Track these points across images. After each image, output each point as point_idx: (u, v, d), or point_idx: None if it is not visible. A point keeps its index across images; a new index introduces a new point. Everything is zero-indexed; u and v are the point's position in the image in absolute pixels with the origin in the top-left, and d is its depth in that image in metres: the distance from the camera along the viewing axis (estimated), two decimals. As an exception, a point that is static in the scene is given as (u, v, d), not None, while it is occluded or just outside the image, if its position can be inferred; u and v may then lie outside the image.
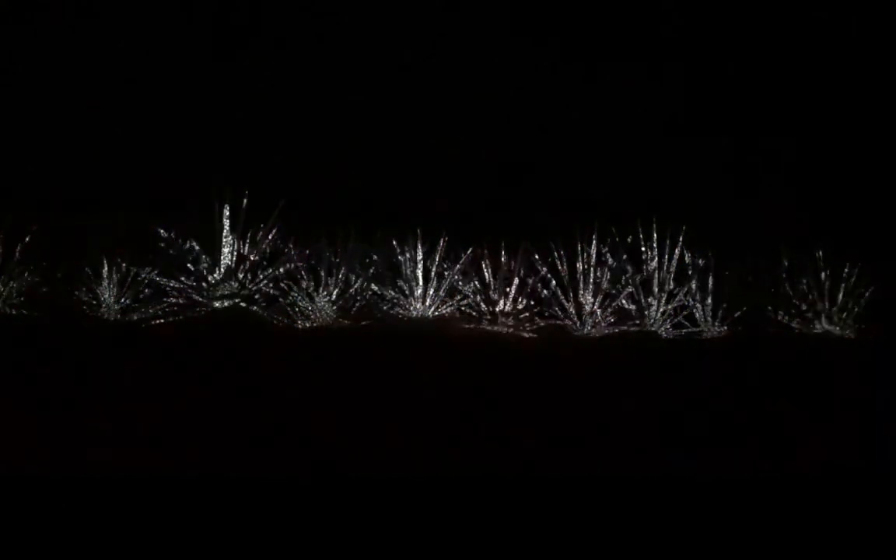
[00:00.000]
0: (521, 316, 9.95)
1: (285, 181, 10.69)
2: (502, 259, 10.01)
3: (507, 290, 9.94)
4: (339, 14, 12.79)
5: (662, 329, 9.99)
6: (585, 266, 9.95)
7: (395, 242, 10.06)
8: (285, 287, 9.41)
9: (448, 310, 10.04)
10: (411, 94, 13.00)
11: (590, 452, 5.02)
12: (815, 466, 4.92)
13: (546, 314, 9.99)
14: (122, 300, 8.85)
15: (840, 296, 10.26)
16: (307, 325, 9.31)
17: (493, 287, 10.02)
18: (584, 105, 13.10)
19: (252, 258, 9.37)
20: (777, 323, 10.22)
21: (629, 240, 10.14)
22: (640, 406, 6.36)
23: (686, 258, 10.24)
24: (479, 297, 10.05)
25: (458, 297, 10.10)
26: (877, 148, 12.39)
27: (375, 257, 9.94)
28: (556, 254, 9.97)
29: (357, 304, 9.63)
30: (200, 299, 9.05)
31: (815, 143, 12.59)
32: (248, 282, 9.30)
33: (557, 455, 4.97)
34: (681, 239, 10.21)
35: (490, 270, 10.03)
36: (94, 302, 8.79)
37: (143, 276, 8.92)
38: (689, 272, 10.18)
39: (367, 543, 3.59)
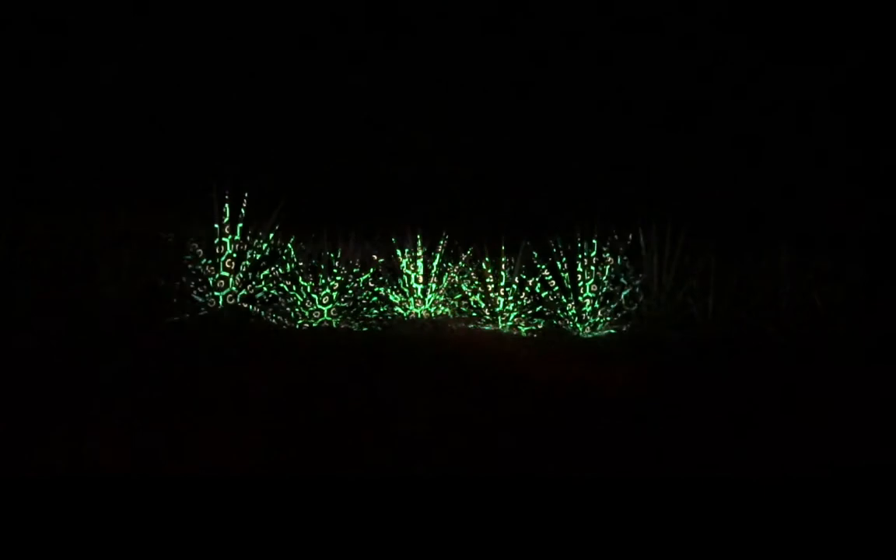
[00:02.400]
0: (521, 316, 9.97)
1: (285, 181, 10.68)
2: (502, 259, 10.03)
3: (507, 289, 9.96)
4: (340, 14, 12.80)
5: (662, 329, 10.00)
6: (585, 266, 9.97)
7: (394, 242, 10.09)
8: (286, 287, 9.42)
9: (448, 309, 10.05)
10: (411, 94, 13.00)
11: (589, 453, 5.01)
12: (815, 466, 4.91)
13: (546, 314, 10.01)
14: (123, 300, 8.86)
15: (838, 295, 10.29)
16: (307, 324, 9.32)
17: (492, 287, 10.03)
18: (585, 105, 13.09)
19: (252, 258, 9.38)
20: (776, 323, 10.23)
21: (629, 240, 10.15)
22: (639, 406, 6.36)
23: (686, 258, 10.25)
24: (479, 297, 10.07)
25: (458, 297, 10.12)
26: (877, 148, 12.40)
27: (375, 257, 9.97)
28: (556, 254, 9.99)
29: (356, 304, 9.65)
30: (201, 299, 9.06)
31: (814, 144, 12.59)
32: (249, 282, 9.31)
33: (557, 455, 4.96)
34: (681, 239, 10.22)
35: (490, 270, 10.05)
36: (96, 302, 8.80)
37: (144, 276, 8.94)
38: (689, 272, 10.19)
39: (367, 544, 3.59)
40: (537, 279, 10.03)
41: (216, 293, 9.13)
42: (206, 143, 11.80)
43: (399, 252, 10.06)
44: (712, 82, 12.87)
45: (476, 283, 10.10)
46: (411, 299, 9.95)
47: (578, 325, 9.88)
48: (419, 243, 10.06)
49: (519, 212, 11.63)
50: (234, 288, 9.18)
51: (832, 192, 11.90)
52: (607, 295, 9.96)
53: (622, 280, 10.05)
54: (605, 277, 9.97)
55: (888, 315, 9.47)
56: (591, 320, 9.89)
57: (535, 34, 13.14)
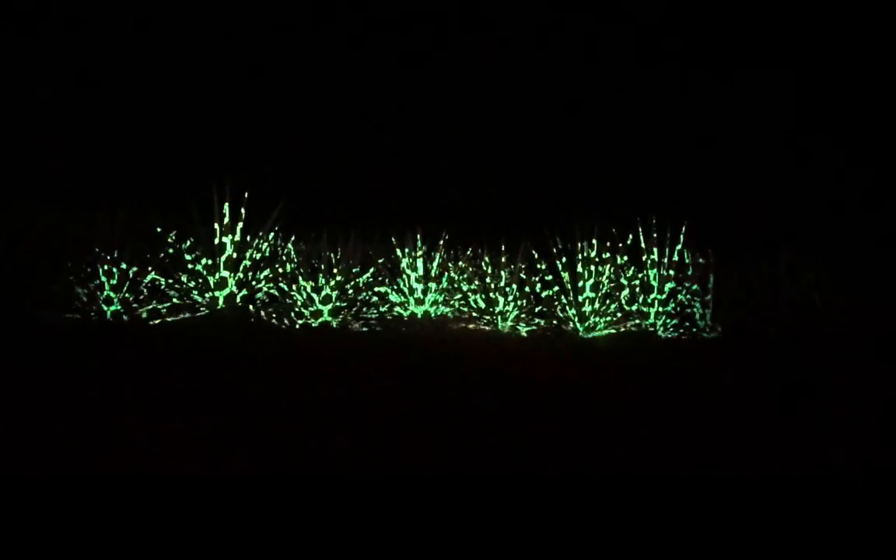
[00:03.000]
0: (521, 316, 9.97)
1: (285, 181, 10.68)
2: (502, 259, 10.02)
3: (507, 289, 9.95)
4: (340, 15, 12.79)
5: (662, 329, 10.00)
6: (585, 266, 9.96)
7: (395, 242, 10.07)
8: (285, 287, 9.42)
9: (448, 309, 10.04)
10: (412, 93, 12.99)
11: (589, 453, 5.01)
12: (814, 466, 4.91)
13: (546, 314, 10.00)
14: (123, 299, 8.86)
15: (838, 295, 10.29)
16: (307, 324, 9.31)
17: (492, 287, 10.03)
18: (585, 104, 13.09)
19: (252, 258, 9.37)
20: (777, 323, 10.23)
21: (629, 239, 10.15)
22: (639, 406, 6.36)
23: (686, 258, 10.26)
24: (479, 297, 10.06)
25: (458, 297, 10.10)
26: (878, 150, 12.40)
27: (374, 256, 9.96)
28: (556, 254, 9.98)
29: (356, 304, 9.64)
30: (200, 299, 9.05)
31: (814, 144, 12.58)
32: (249, 282, 9.30)
33: (556, 455, 4.96)
34: (681, 239, 10.23)
35: (490, 270, 10.05)
36: (94, 301, 8.80)
37: (143, 275, 8.93)
38: (689, 272, 10.19)
39: (366, 544, 3.59)
40: (537, 279, 10.02)
41: (216, 293, 9.13)
42: (206, 144, 11.79)
43: (399, 252, 10.05)
44: (710, 81, 12.87)
45: (476, 283, 10.08)
46: (411, 299, 9.94)
47: (578, 325, 9.87)
48: (419, 243, 10.05)
49: (519, 212, 11.62)
50: (234, 288, 9.18)
51: (831, 192, 11.90)
52: (607, 295, 9.96)
53: (622, 280, 10.05)
54: (605, 277, 9.96)
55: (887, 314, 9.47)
56: (591, 320, 9.88)
57: (535, 35, 13.14)
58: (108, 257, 8.84)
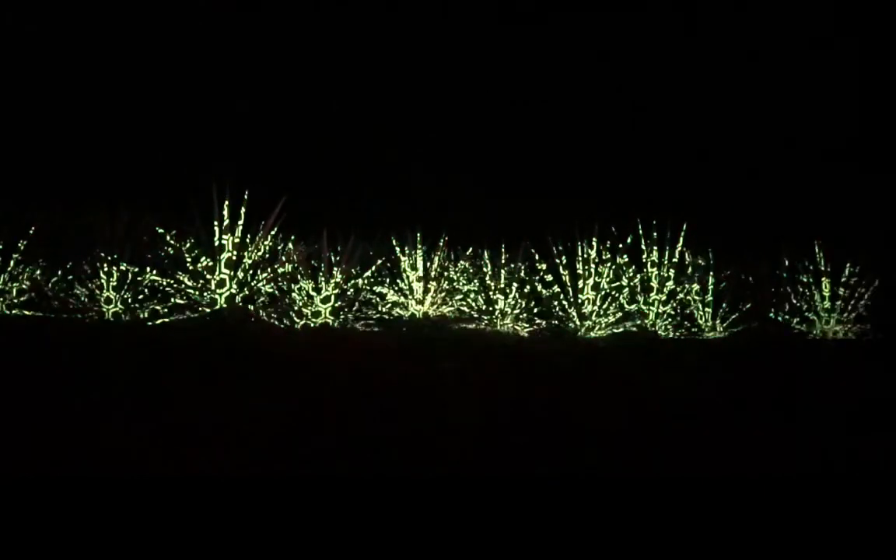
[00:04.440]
0: (521, 316, 9.96)
1: (285, 181, 10.68)
2: (502, 259, 10.02)
3: (507, 289, 9.95)
4: (341, 14, 12.80)
5: (662, 329, 10.00)
6: (585, 266, 9.96)
7: (395, 242, 10.06)
8: (285, 287, 9.41)
9: (448, 309, 10.04)
10: (412, 93, 13.00)
11: (589, 453, 5.01)
12: (813, 466, 4.91)
13: (546, 314, 10.00)
14: (123, 299, 8.86)
15: (839, 296, 10.29)
16: (307, 324, 9.31)
17: (492, 287, 10.02)
18: (587, 103, 13.09)
19: (252, 258, 9.36)
20: (777, 323, 10.23)
21: (629, 239, 10.15)
22: (639, 406, 6.35)
23: (686, 258, 10.26)
24: (479, 297, 10.06)
25: (458, 297, 10.10)
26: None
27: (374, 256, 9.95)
28: (556, 254, 9.98)
29: (356, 304, 9.64)
30: (200, 299, 9.05)
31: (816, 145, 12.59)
32: (248, 282, 9.29)
33: (556, 456, 4.96)
34: (681, 239, 10.22)
35: (490, 270, 10.05)
36: (94, 302, 8.80)
37: (143, 275, 8.93)
38: (689, 272, 10.20)
39: (365, 544, 3.59)
40: (537, 279, 10.02)
41: (216, 293, 9.12)
42: (206, 144, 11.80)
43: (399, 252, 10.05)
44: (707, 78, 12.88)
45: (476, 282, 10.08)
46: (411, 299, 9.94)
47: (578, 325, 9.87)
48: (419, 243, 10.04)
49: (519, 212, 11.62)
50: (234, 288, 9.18)
51: (832, 191, 11.90)
52: (607, 295, 9.95)
53: (622, 280, 10.05)
54: (605, 277, 9.96)
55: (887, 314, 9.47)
56: (591, 320, 9.88)
57: (535, 35, 13.15)
58: (108, 257, 8.85)
